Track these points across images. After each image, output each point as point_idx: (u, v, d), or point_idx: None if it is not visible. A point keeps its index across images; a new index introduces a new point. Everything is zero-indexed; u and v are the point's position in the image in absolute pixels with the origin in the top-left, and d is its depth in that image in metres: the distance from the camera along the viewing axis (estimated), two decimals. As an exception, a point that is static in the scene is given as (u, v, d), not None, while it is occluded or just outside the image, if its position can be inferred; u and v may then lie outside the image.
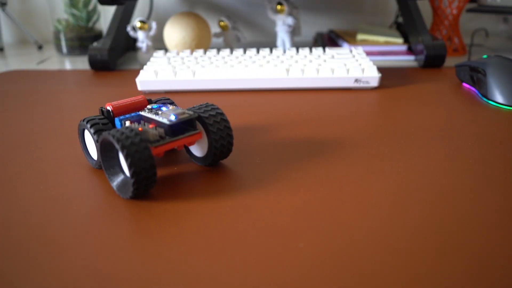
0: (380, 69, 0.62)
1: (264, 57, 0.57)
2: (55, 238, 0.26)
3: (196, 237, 0.25)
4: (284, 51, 0.60)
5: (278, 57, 0.57)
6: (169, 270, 0.23)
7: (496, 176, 0.32)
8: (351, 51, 0.59)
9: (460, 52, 0.72)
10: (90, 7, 0.80)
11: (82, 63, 0.72)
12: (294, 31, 0.72)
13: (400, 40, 0.72)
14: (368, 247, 0.24)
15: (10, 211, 0.29)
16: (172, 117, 0.30)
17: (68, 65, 0.72)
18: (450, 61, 0.67)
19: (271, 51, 0.60)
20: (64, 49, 0.79)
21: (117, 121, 0.32)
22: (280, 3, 0.67)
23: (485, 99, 0.48)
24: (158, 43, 0.84)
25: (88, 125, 0.32)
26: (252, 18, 0.90)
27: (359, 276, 0.22)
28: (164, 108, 0.32)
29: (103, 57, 0.64)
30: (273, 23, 0.89)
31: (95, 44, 0.66)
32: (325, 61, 0.55)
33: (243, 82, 0.53)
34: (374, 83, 0.53)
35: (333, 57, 0.57)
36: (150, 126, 0.31)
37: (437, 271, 0.22)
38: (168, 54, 0.60)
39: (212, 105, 0.33)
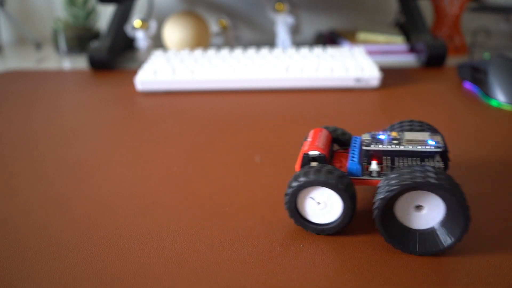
0: (381, 69, 0.62)
1: (264, 56, 0.57)
2: (55, 239, 0.25)
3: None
4: (284, 51, 0.59)
5: (278, 56, 0.57)
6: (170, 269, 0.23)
7: (496, 175, 0.32)
8: (351, 50, 0.59)
9: (461, 51, 0.72)
10: (89, 6, 0.79)
11: (81, 62, 0.72)
12: (294, 30, 0.72)
13: (401, 39, 0.71)
14: (369, 248, 0.24)
15: (10, 211, 0.28)
16: (434, 143, 0.25)
17: (67, 64, 0.71)
18: (452, 60, 0.67)
19: (271, 51, 0.60)
20: (63, 48, 0.79)
21: (354, 165, 0.25)
22: (280, 2, 0.67)
23: (486, 98, 0.48)
24: (158, 42, 0.83)
25: (333, 180, 0.24)
26: (252, 17, 0.89)
27: (359, 276, 0.22)
28: (382, 136, 0.26)
29: (102, 56, 0.64)
30: (273, 22, 0.88)
31: (94, 43, 0.65)
32: (325, 60, 0.55)
33: (242, 82, 0.53)
34: (375, 82, 0.52)
35: (333, 56, 0.57)
36: (375, 160, 0.26)
37: (437, 271, 0.22)
38: (167, 53, 0.60)
39: (413, 120, 0.29)
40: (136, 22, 0.67)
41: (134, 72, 0.63)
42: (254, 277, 0.22)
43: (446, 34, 0.73)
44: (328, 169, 0.24)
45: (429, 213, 0.23)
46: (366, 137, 0.26)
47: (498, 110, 0.45)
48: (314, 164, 0.25)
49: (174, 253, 0.24)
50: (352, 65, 0.53)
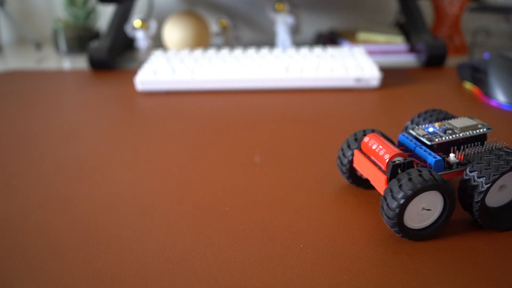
0: (381, 69, 0.62)
1: (264, 56, 0.57)
2: (55, 239, 0.25)
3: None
4: (284, 51, 0.59)
5: (278, 56, 0.57)
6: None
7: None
8: (351, 50, 0.59)
9: (461, 51, 0.72)
10: (89, 6, 0.79)
11: (81, 62, 0.72)
12: (294, 30, 0.72)
13: (401, 39, 0.71)
14: (369, 248, 0.24)
15: (10, 211, 0.28)
16: (483, 125, 0.27)
17: (67, 64, 0.71)
18: (452, 60, 0.67)
19: (271, 51, 0.60)
20: (63, 48, 0.79)
21: (439, 161, 0.25)
22: (280, 2, 0.67)
23: (486, 98, 0.48)
24: (158, 42, 0.83)
25: (440, 181, 0.23)
26: (252, 17, 0.89)
27: (359, 276, 0.22)
28: (431, 129, 0.27)
29: (102, 56, 0.64)
30: (273, 22, 0.88)
31: (94, 43, 0.65)
32: (325, 60, 0.55)
33: (242, 82, 0.53)
34: (375, 82, 0.52)
35: (333, 56, 0.57)
36: (437, 153, 0.26)
37: (437, 271, 0.22)
38: (167, 53, 0.60)
39: (428, 111, 0.30)
40: (136, 22, 0.67)
41: (134, 72, 0.63)
42: (254, 277, 0.22)
43: (446, 34, 0.73)
44: (429, 172, 0.23)
45: (510, 189, 0.25)
46: (418, 132, 0.27)
47: (498, 110, 0.45)
48: (400, 171, 0.24)
49: (174, 253, 0.24)
50: (352, 65, 0.53)
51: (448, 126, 0.27)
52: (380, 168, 0.26)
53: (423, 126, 0.28)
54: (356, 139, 0.29)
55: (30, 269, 0.23)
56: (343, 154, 0.29)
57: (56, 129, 0.42)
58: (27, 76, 0.63)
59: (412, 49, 0.69)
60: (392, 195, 0.23)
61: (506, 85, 0.46)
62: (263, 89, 0.54)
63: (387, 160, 0.25)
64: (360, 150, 0.28)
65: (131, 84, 0.57)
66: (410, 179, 0.23)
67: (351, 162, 0.29)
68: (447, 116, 0.30)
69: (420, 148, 0.26)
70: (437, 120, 0.30)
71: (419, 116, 0.31)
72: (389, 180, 0.25)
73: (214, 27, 0.86)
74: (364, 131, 0.29)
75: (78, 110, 0.48)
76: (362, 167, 0.27)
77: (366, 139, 0.27)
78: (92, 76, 0.62)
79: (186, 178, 0.32)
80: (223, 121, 0.43)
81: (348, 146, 0.29)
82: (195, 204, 0.29)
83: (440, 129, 0.27)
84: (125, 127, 0.42)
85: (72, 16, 0.78)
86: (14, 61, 0.74)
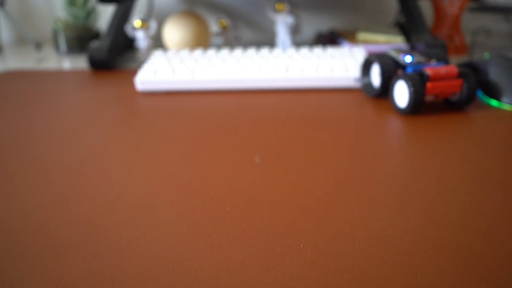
0: (381, 68, 0.62)
1: (264, 56, 0.57)
2: (55, 239, 0.25)
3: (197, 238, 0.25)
4: (284, 51, 0.59)
5: (278, 56, 0.57)
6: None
7: (497, 176, 0.32)
8: (351, 50, 0.59)
9: (461, 51, 0.72)
10: (89, 6, 0.79)
11: (81, 62, 0.72)
12: (294, 30, 0.72)
13: (401, 39, 0.71)
14: (369, 248, 0.24)
15: (10, 211, 0.28)
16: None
17: (67, 64, 0.71)
18: (452, 60, 0.67)
19: (271, 51, 0.60)
20: (63, 48, 0.79)
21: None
22: (280, 2, 0.67)
23: (486, 98, 0.48)
24: (158, 42, 0.84)
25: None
26: (252, 17, 0.89)
27: (359, 276, 0.22)
28: (408, 58, 0.45)
29: (102, 56, 0.64)
30: (273, 22, 0.88)
31: (94, 43, 0.65)
32: (325, 60, 0.55)
33: (242, 82, 0.53)
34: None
35: (333, 56, 0.57)
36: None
37: (437, 271, 0.22)
38: (167, 53, 0.60)
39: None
40: (136, 22, 0.67)
41: (134, 72, 0.63)
42: (254, 277, 0.22)
43: (446, 34, 0.73)
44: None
45: None
46: (418, 59, 0.45)
47: (498, 110, 0.45)
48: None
49: (174, 253, 0.24)
50: (352, 65, 0.53)
51: (408, 53, 0.45)
52: (452, 79, 0.42)
53: (407, 58, 0.45)
54: (416, 81, 0.41)
55: (30, 269, 0.23)
56: (418, 93, 0.41)
57: (56, 129, 0.42)
58: (27, 76, 0.63)
59: (412, 49, 0.69)
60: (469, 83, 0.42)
61: (506, 85, 0.46)
62: (263, 89, 0.54)
63: (457, 70, 0.42)
64: (431, 80, 0.42)
65: (131, 84, 0.57)
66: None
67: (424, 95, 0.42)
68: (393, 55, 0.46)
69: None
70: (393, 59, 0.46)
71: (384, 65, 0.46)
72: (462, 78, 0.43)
73: (214, 27, 0.86)
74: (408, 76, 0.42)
75: (78, 110, 0.48)
76: (440, 89, 0.42)
77: (430, 72, 0.42)
78: (92, 76, 0.62)
79: (186, 178, 0.32)
80: (223, 121, 0.43)
81: (415, 86, 0.41)
82: (195, 204, 0.29)
83: (409, 55, 0.45)
84: (125, 127, 0.42)
85: (72, 16, 0.78)
86: (14, 61, 0.74)
